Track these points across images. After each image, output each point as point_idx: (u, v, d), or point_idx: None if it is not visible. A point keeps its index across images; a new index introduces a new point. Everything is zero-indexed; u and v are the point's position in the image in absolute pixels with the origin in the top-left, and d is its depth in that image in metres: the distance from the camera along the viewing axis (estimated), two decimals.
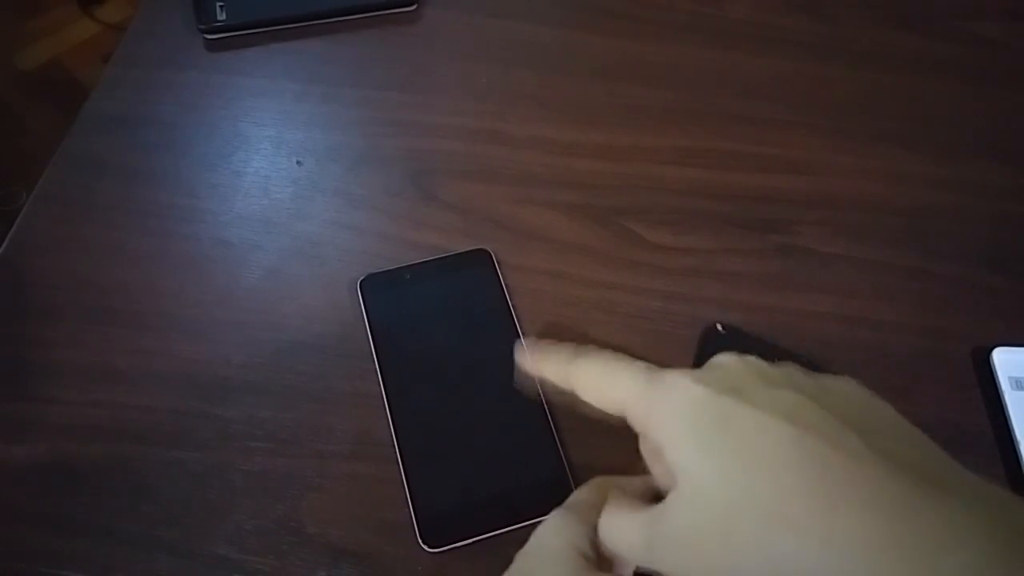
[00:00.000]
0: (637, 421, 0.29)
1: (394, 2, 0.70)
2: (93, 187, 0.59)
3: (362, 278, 0.54)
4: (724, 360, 0.29)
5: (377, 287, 0.54)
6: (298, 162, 0.61)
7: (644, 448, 0.32)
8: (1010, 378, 0.52)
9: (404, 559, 0.45)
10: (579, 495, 0.35)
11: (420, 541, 0.45)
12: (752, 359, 0.29)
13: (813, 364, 0.34)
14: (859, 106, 0.67)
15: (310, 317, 0.54)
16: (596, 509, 0.32)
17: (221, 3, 0.67)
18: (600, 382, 0.30)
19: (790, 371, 0.28)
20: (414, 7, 0.70)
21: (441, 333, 0.53)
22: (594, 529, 0.32)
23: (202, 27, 0.67)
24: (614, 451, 0.30)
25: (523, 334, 0.53)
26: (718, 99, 0.66)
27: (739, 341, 0.36)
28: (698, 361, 0.35)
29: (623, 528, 0.29)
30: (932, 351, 0.55)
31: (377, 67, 0.67)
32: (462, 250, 0.56)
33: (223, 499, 0.47)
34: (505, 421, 0.50)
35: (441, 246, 0.57)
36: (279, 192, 0.60)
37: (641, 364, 0.29)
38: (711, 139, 0.64)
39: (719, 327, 0.36)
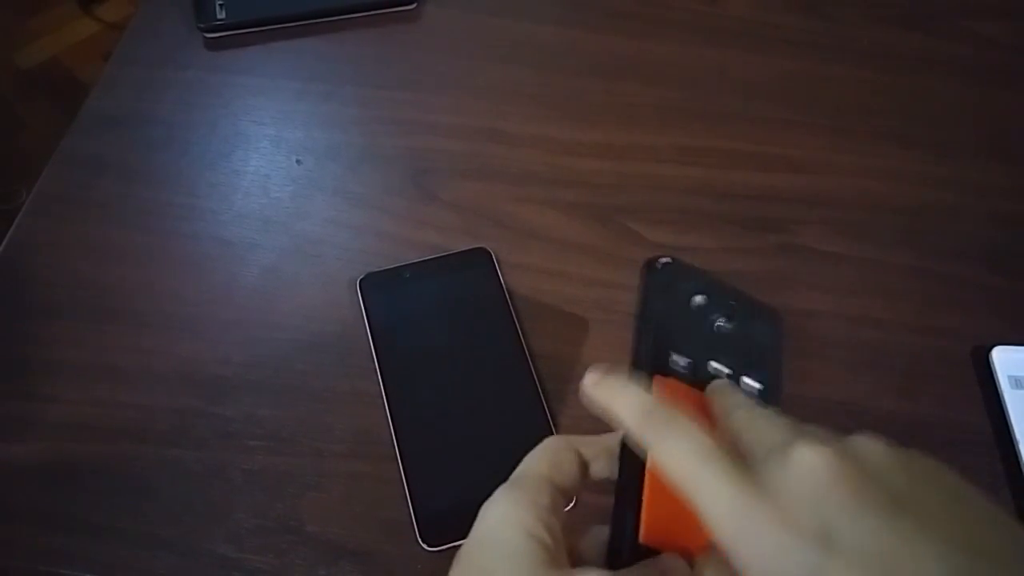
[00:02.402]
0: (722, 544, 0.24)
1: (394, 1, 0.70)
2: (92, 185, 0.59)
3: (361, 277, 0.54)
4: (865, 456, 0.24)
5: (377, 286, 0.54)
6: (297, 161, 0.61)
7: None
8: (1010, 377, 0.52)
9: (403, 558, 0.46)
10: (529, 463, 0.30)
11: (419, 540, 0.45)
12: (887, 463, 0.24)
13: (750, 302, 0.33)
14: (859, 105, 0.67)
15: (309, 316, 0.54)
16: (550, 481, 0.29)
17: (221, 2, 0.67)
18: (685, 473, 0.25)
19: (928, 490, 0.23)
20: (414, 6, 0.70)
21: (441, 332, 0.53)
22: (549, 507, 0.28)
23: (202, 26, 0.67)
24: None
25: (523, 333, 0.53)
26: (718, 98, 0.66)
27: (682, 276, 0.34)
28: (643, 301, 0.33)
29: None
30: (932, 350, 0.55)
31: (377, 66, 0.67)
32: (462, 249, 0.56)
33: (223, 498, 0.47)
34: (504, 420, 0.50)
35: (441, 245, 0.57)
36: (278, 191, 0.60)
37: (733, 471, 0.25)
38: (711, 138, 0.64)
39: (660, 261, 0.34)
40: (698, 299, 0.33)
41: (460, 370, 0.51)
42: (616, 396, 0.29)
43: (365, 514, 0.47)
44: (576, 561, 0.29)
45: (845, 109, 0.66)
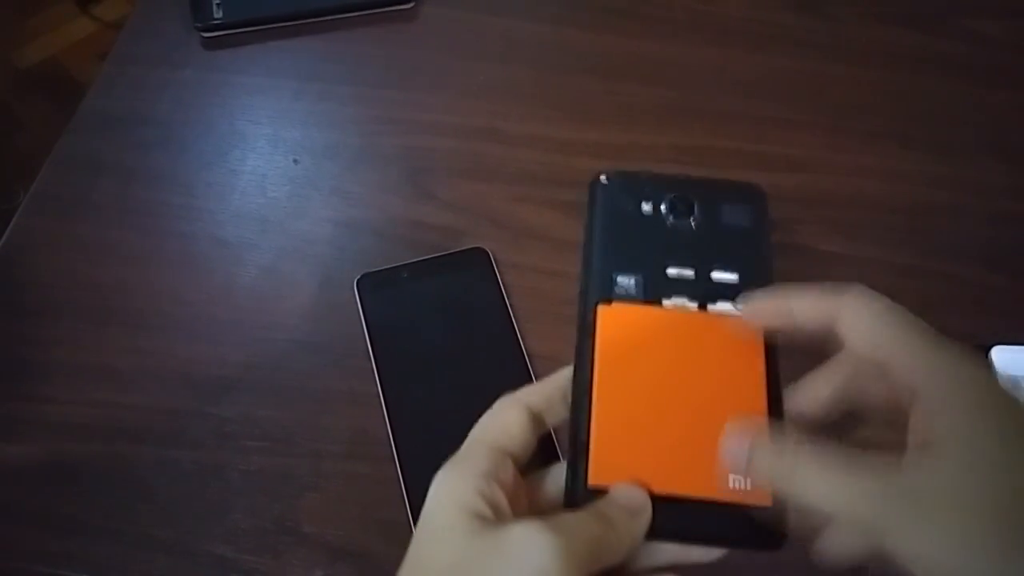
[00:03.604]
0: (913, 387, 0.26)
1: (391, 0, 0.69)
2: (90, 185, 0.59)
3: (359, 277, 0.54)
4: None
5: (374, 286, 0.54)
6: (295, 160, 0.61)
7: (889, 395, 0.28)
8: (1009, 377, 0.52)
9: (401, 559, 0.45)
10: (472, 433, 0.31)
11: None
12: None
13: (720, 188, 0.32)
14: (858, 104, 0.67)
15: (307, 316, 0.54)
16: (491, 446, 0.29)
17: (218, 1, 0.67)
18: (877, 333, 0.27)
19: None
20: (411, 5, 0.70)
21: (438, 332, 0.53)
22: (490, 472, 0.28)
23: (199, 25, 0.66)
24: None
25: (520, 333, 0.52)
26: (716, 97, 0.66)
27: (628, 186, 0.33)
28: (586, 227, 0.33)
29: (837, 483, 0.25)
30: None
31: (374, 65, 0.67)
32: (459, 249, 0.56)
33: (220, 498, 0.47)
34: None
35: (438, 245, 0.57)
36: (276, 190, 0.59)
37: (930, 333, 0.27)
38: (709, 137, 0.64)
39: (603, 178, 0.33)
40: (646, 206, 0.32)
41: (457, 370, 0.51)
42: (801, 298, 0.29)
43: (362, 515, 0.47)
44: (539, 511, 0.29)
45: (844, 108, 0.66)
